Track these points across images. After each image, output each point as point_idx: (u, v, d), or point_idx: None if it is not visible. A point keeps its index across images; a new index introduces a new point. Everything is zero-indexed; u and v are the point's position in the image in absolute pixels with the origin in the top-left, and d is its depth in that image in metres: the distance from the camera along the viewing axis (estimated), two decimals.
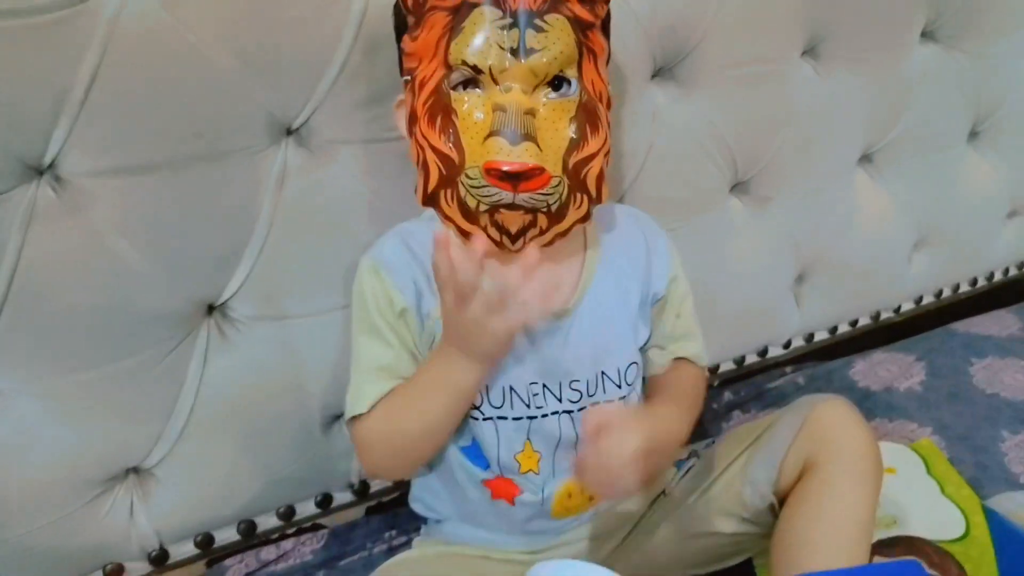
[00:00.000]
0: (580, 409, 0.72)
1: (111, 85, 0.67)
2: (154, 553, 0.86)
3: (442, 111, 0.64)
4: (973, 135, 1.27)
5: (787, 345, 1.21)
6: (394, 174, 0.80)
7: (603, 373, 0.73)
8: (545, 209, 0.64)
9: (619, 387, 0.74)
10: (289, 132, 0.77)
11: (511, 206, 0.62)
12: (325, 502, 0.94)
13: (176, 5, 0.67)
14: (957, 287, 1.37)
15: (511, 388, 0.70)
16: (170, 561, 0.87)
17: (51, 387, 0.74)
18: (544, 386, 0.71)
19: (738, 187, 1.06)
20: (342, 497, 0.95)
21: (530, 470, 0.73)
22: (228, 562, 0.89)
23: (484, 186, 0.62)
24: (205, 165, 0.73)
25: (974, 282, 1.39)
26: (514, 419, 0.71)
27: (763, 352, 1.20)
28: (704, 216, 1.03)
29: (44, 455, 0.76)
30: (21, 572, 0.80)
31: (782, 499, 0.75)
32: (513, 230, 0.64)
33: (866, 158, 1.17)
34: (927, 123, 1.19)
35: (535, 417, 0.72)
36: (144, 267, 0.74)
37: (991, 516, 0.87)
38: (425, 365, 0.71)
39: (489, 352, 0.66)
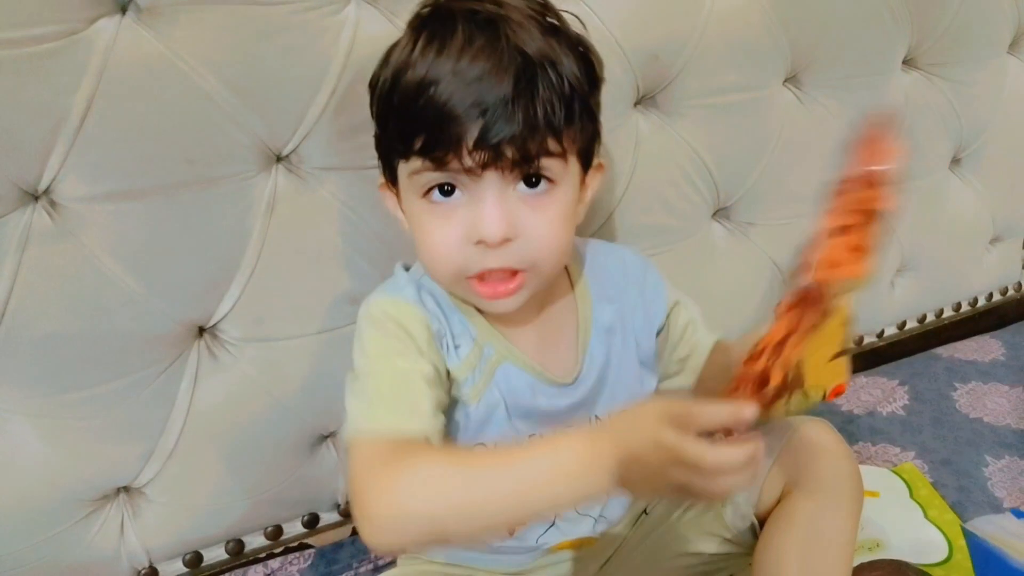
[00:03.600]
0: None
1: (106, 113, 0.69)
2: (143, 571, 0.87)
3: None
4: (955, 162, 1.29)
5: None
6: (379, 208, 0.81)
7: (596, 416, 0.73)
8: None
9: None
10: (279, 159, 0.79)
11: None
12: (312, 522, 0.95)
13: (169, 36, 0.70)
14: (940, 312, 1.39)
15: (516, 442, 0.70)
16: None
17: (41, 407, 0.76)
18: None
19: (720, 212, 1.08)
20: (329, 517, 0.96)
21: None
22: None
23: None
24: (197, 191, 0.75)
25: (958, 307, 1.41)
26: None
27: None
28: (686, 241, 1.05)
29: (34, 474, 0.77)
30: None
31: (763, 520, 0.76)
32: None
33: None
34: (909, 150, 1.21)
35: None
36: (137, 290, 0.75)
37: (971, 538, 0.88)
38: (534, 446, 0.59)
39: (643, 492, 0.60)
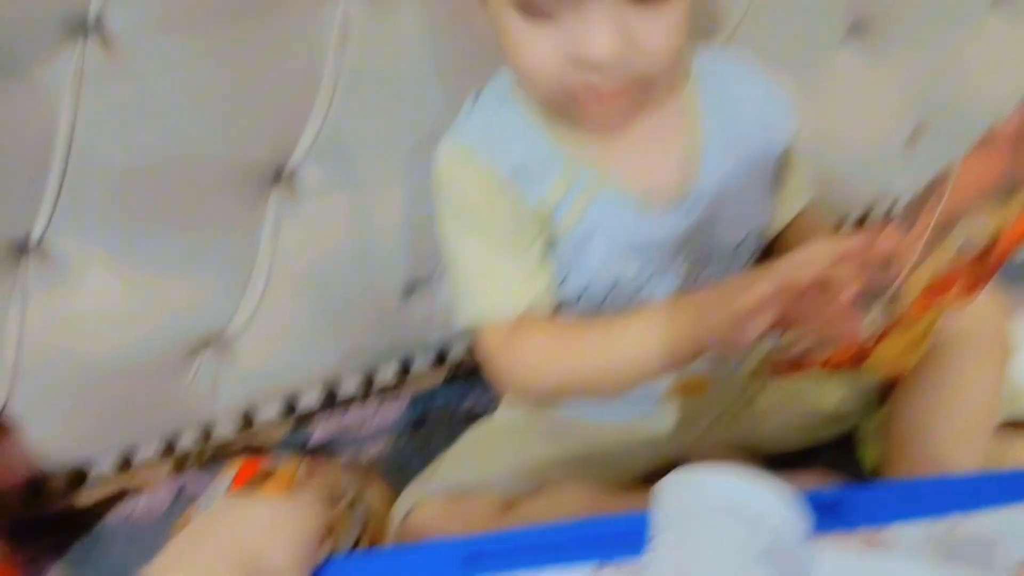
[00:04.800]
0: (689, 289, 0.67)
1: None
2: (240, 416, 0.87)
3: None
4: None
5: (891, 209, 1.11)
6: (461, 26, 0.73)
7: (711, 252, 0.66)
8: None
9: (731, 264, 0.67)
10: None
11: None
12: (405, 368, 0.93)
13: None
14: None
15: (616, 280, 0.64)
16: (256, 423, 0.89)
17: (122, 257, 0.72)
18: (651, 273, 0.65)
19: (855, 29, 0.93)
20: (422, 362, 0.93)
21: None
22: (313, 424, 0.90)
23: None
24: (263, 17, 0.67)
25: None
26: (617, 309, 0.66)
27: (863, 218, 1.10)
28: (814, 66, 0.92)
29: (120, 326, 0.75)
30: (112, 437, 0.82)
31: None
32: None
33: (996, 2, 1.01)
34: None
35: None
36: (202, 130, 0.69)
37: None
38: (637, 314, 0.58)
39: (725, 350, 0.52)
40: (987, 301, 0.66)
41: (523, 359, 0.61)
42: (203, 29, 0.66)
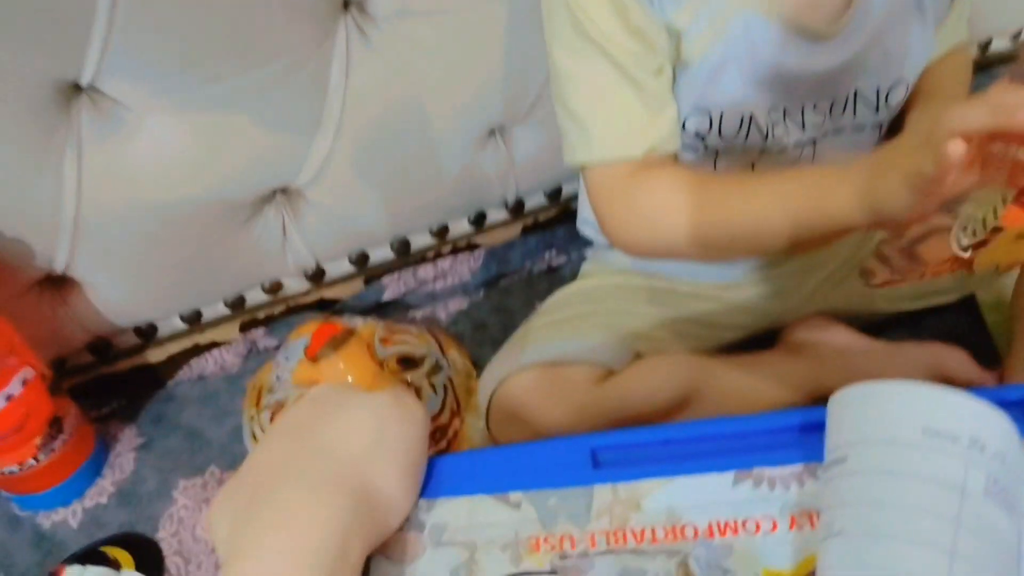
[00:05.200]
0: (823, 136, 0.59)
1: None
2: (311, 270, 0.83)
3: None
4: None
5: None
6: None
7: (856, 93, 0.58)
8: None
9: (876, 111, 0.59)
10: None
11: None
12: (479, 220, 0.87)
13: None
14: None
15: (750, 117, 0.57)
16: (327, 278, 0.84)
17: (183, 101, 0.66)
18: (786, 111, 0.57)
19: None
20: (496, 215, 0.87)
21: None
22: (385, 280, 0.85)
23: None
24: None
25: None
26: (743, 151, 0.59)
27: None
28: None
29: (185, 177, 0.70)
30: (179, 293, 0.79)
31: None
32: None
33: None
34: None
35: (769, 151, 0.59)
36: None
37: None
38: (779, 174, 0.52)
39: (894, 211, 0.43)
40: None
41: (643, 209, 0.55)
42: None
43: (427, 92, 0.73)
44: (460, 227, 0.86)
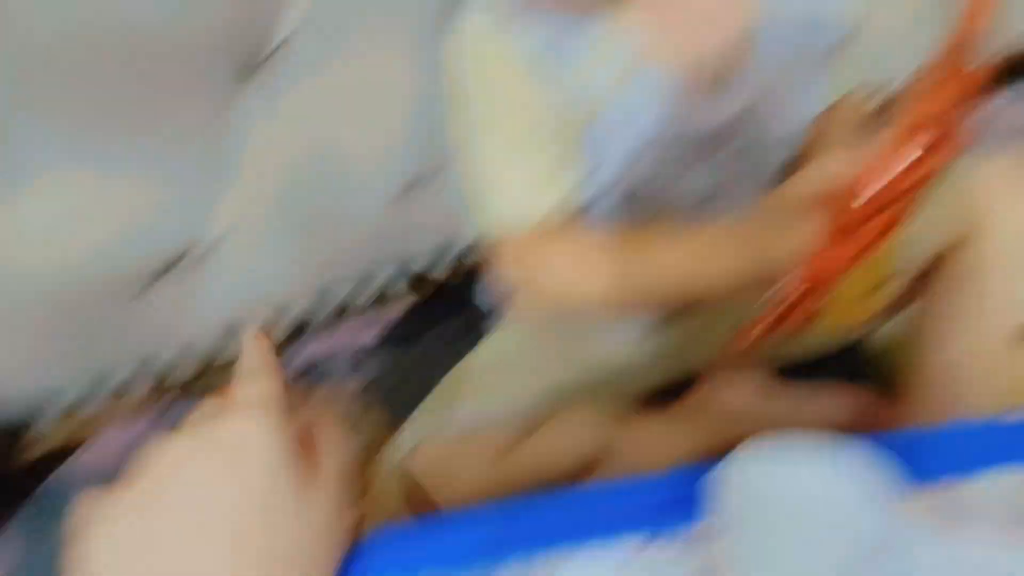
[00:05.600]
0: (732, 182, 0.61)
1: None
2: (220, 337, 0.81)
3: None
4: None
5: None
6: None
7: (757, 141, 0.60)
8: None
9: (776, 157, 0.62)
10: None
11: None
12: (399, 277, 0.87)
13: None
14: None
15: (655, 167, 0.58)
16: (237, 344, 0.82)
17: (84, 154, 0.63)
18: (693, 160, 0.59)
19: None
20: (417, 269, 0.87)
21: None
22: (295, 347, 0.84)
23: None
24: None
25: None
26: (652, 200, 0.60)
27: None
28: None
29: (77, 237, 0.67)
30: (69, 364, 0.75)
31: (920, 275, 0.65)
32: None
33: None
34: None
35: (677, 201, 0.60)
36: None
37: None
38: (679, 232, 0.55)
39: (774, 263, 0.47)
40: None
41: (547, 268, 0.57)
42: None
43: (339, 145, 0.74)
44: (371, 291, 0.86)
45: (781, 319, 0.45)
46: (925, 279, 0.65)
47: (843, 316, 0.48)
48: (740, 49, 0.56)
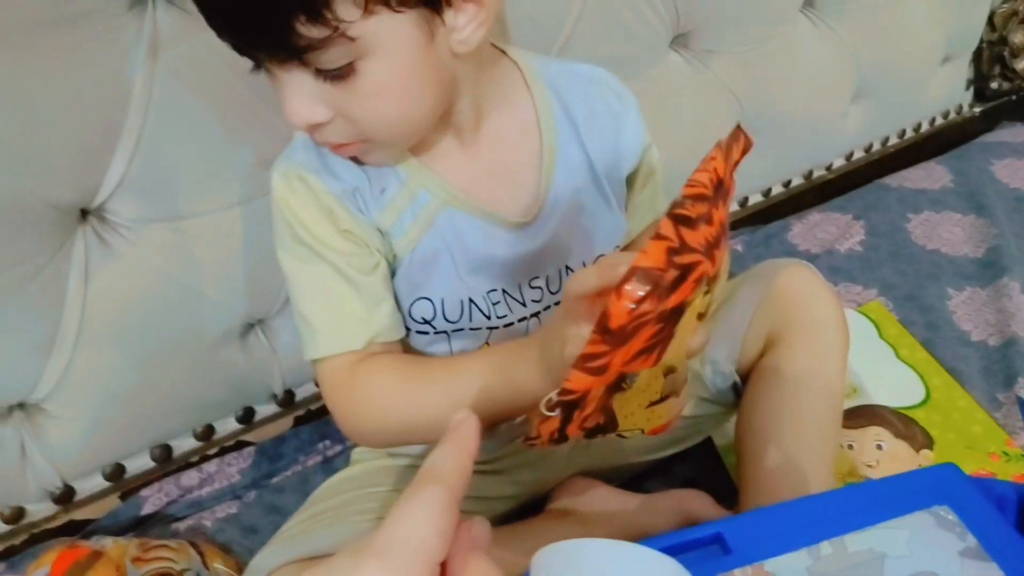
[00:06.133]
0: (545, 309, 0.64)
1: None
2: (58, 492, 0.76)
3: None
4: None
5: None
6: None
7: (567, 267, 0.64)
8: None
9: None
10: None
11: None
12: (247, 416, 0.85)
13: None
14: (887, 140, 1.33)
15: (469, 300, 0.61)
16: (77, 498, 0.78)
17: None
18: (504, 292, 0.62)
19: (679, 40, 0.96)
20: (266, 409, 0.86)
21: None
22: (145, 492, 0.80)
23: None
24: (57, 33, 0.59)
25: (902, 134, 1.35)
26: (472, 330, 0.62)
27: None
28: (645, 73, 0.93)
29: None
30: None
31: (744, 376, 0.70)
32: None
33: (808, 3, 1.08)
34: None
35: (496, 328, 0.63)
36: None
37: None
38: (475, 356, 0.58)
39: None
40: (827, 292, 0.70)
41: (364, 397, 0.57)
42: None
43: (176, 294, 0.73)
44: (227, 425, 0.84)
45: (560, 425, 0.44)
46: (746, 377, 0.70)
47: (640, 420, 0.49)
48: (539, 184, 0.61)
